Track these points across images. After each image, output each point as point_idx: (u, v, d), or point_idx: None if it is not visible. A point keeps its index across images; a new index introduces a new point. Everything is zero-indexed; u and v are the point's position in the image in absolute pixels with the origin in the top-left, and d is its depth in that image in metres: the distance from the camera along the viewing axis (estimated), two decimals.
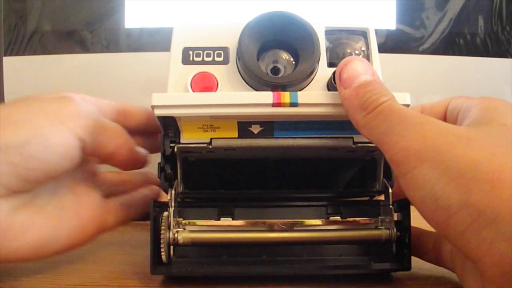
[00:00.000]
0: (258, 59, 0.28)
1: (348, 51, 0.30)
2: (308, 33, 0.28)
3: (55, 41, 0.50)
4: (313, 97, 0.26)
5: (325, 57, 0.29)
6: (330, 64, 0.29)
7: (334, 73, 0.27)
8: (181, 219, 0.28)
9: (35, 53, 0.50)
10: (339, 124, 0.27)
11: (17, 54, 0.49)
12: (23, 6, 0.49)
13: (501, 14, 0.51)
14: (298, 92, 0.26)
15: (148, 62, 0.49)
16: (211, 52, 0.29)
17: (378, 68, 0.29)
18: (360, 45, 0.30)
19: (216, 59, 0.29)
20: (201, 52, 0.29)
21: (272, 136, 0.27)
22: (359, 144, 0.27)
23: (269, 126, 0.27)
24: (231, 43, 0.29)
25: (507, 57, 0.51)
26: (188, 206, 0.29)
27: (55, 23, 0.50)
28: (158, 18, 0.50)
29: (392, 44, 0.51)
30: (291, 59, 0.29)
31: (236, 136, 0.27)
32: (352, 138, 0.27)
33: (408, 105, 0.26)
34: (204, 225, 0.28)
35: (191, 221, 0.28)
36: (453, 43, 0.51)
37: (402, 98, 0.26)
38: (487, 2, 0.51)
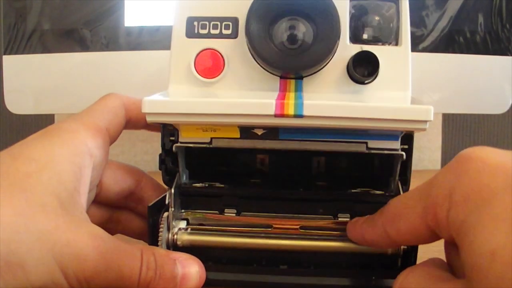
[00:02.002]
0: (271, 32, 0.25)
1: (377, 18, 0.26)
2: (327, 5, 0.24)
3: (55, 39, 0.49)
4: (321, 109, 0.23)
5: (348, 31, 0.25)
6: (354, 38, 0.26)
7: (355, 55, 0.25)
8: (183, 210, 0.27)
9: (34, 51, 0.49)
10: (350, 130, 0.25)
11: (16, 52, 0.49)
12: (22, 5, 0.49)
13: (501, 12, 0.51)
14: (305, 102, 0.23)
15: (148, 60, 0.49)
16: (218, 23, 0.26)
17: (408, 46, 0.26)
18: (391, 14, 0.26)
19: (224, 32, 0.26)
20: (207, 23, 0.26)
21: (277, 138, 0.25)
22: (373, 150, 0.25)
23: (274, 129, 0.25)
24: (241, 13, 0.26)
25: (507, 55, 0.51)
26: (192, 195, 0.27)
27: (55, 22, 0.49)
28: (158, 16, 0.50)
29: None
30: (307, 31, 0.25)
31: (238, 136, 0.26)
32: (366, 143, 0.25)
33: (428, 121, 0.23)
34: (207, 217, 0.27)
35: (194, 212, 0.27)
36: (453, 41, 0.51)
37: (423, 113, 0.22)
38: (487, 0, 0.51)
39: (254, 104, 0.23)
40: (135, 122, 0.29)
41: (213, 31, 0.26)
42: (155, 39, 0.49)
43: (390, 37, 0.26)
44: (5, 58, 0.50)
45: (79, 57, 0.50)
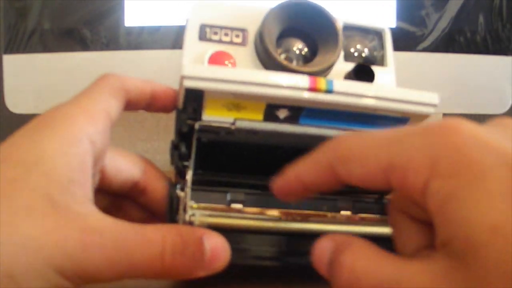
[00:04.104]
0: (278, 42, 0.28)
1: (362, 48, 0.30)
2: (332, 26, 0.28)
3: (55, 39, 0.49)
4: (347, 86, 0.25)
5: (342, 52, 0.29)
6: (346, 60, 0.29)
7: (354, 68, 0.28)
8: (192, 201, 0.27)
9: (35, 51, 0.49)
10: (364, 118, 0.27)
11: (17, 52, 0.49)
12: (23, 4, 0.49)
13: (501, 11, 0.51)
14: (333, 80, 0.25)
15: (148, 60, 0.49)
16: (229, 32, 0.28)
17: (393, 68, 0.29)
18: (374, 44, 0.30)
19: (234, 40, 0.28)
20: (218, 30, 0.28)
21: (297, 123, 0.27)
22: None
23: (297, 112, 0.26)
24: (251, 26, 0.28)
25: (507, 55, 0.51)
26: (198, 189, 0.27)
27: (55, 21, 0.49)
28: (158, 16, 0.50)
29: (392, 42, 0.51)
30: (305, 51, 0.29)
31: (261, 119, 0.26)
32: None
33: (435, 105, 0.26)
34: (215, 209, 0.27)
35: (201, 205, 0.27)
36: (454, 41, 0.51)
37: (431, 97, 0.26)
38: (487, 0, 0.51)
39: (289, 77, 0.25)
40: (134, 103, 0.28)
41: (224, 38, 0.28)
42: (155, 38, 0.49)
43: (376, 60, 0.30)
44: (6, 57, 0.50)
45: (79, 56, 0.50)
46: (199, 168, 0.28)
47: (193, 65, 0.24)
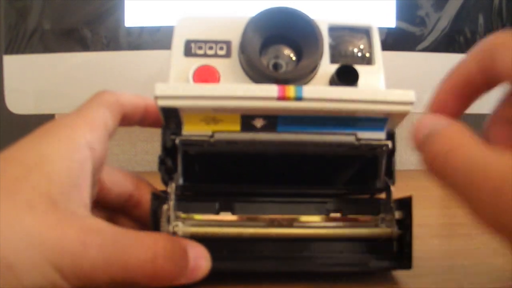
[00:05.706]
0: (260, 54, 0.28)
1: (350, 48, 0.30)
2: (312, 29, 0.28)
3: (56, 39, 0.50)
4: (318, 92, 0.25)
5: (328, 54, 0.29)
6: (333, 61, 0.29)
7: (337, 70, 0.28)
8: (180, 212, 0.28)
9: (35, 51, 0.50)
10: (343, 121, 0.27)
11: (17, 52, 0.49)
12: (23, 5, 0.49)
13: (501, 12, 0.51)
14: (303, 86, 0.25)
15: (148, 60, 0.49)
16: (214, 45, 0.29)
17: (381, 66, 0.29)
18: (363, 42, 0.30)
19: (219, 52, 0.29)
20: (203, 45, 0.29)
21: (275, 130, 0.27)
22: (362, 141, 0.27)
23: (273, 120, 0.27)
24: (234, 37, 0.29)
25: None
26: (187, 200, 0.28)
27: (56, 22, 0.50)
28: (158, 16, 0.50)
29: (392, 42, 0.51)
30: (293, 56, 0.29)
31: (239, 129, 0.27)
32: (355, 134, 0.27)
33: (412, 103, 0.26)
34: (203, 219, 0.28)
35: (190, 215, 0.27)
36: (453, 41, 0.51)
37: (407, 95, 0.26)
38: (487, 0, 0.51)
39: (257, 88, 0.25)
40: (129, 118, 0.29)
41: (208, 52, 0.29)
42: (155, 39, 0.49)
43: (364, 59, 0.30)
44: (6, 58, 0.50)
45: (79, 57, 0.50)
46: (188, 180, 0.29)
47: (164, 85, 0.25)
